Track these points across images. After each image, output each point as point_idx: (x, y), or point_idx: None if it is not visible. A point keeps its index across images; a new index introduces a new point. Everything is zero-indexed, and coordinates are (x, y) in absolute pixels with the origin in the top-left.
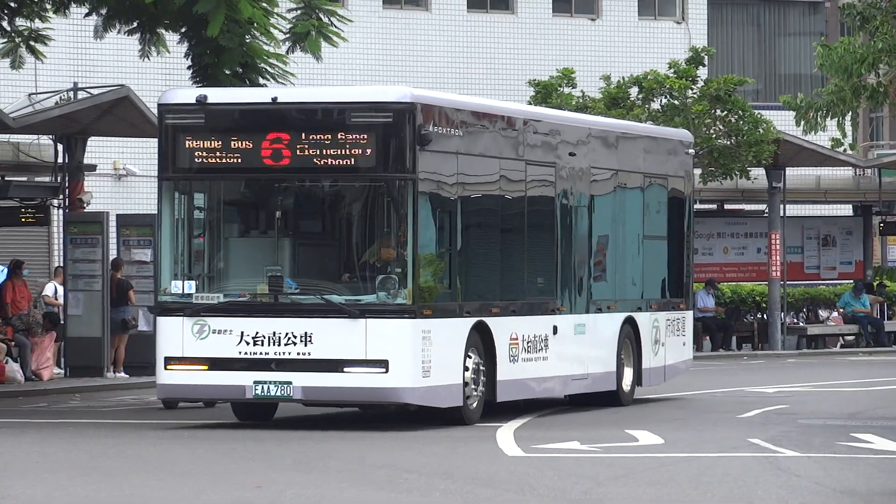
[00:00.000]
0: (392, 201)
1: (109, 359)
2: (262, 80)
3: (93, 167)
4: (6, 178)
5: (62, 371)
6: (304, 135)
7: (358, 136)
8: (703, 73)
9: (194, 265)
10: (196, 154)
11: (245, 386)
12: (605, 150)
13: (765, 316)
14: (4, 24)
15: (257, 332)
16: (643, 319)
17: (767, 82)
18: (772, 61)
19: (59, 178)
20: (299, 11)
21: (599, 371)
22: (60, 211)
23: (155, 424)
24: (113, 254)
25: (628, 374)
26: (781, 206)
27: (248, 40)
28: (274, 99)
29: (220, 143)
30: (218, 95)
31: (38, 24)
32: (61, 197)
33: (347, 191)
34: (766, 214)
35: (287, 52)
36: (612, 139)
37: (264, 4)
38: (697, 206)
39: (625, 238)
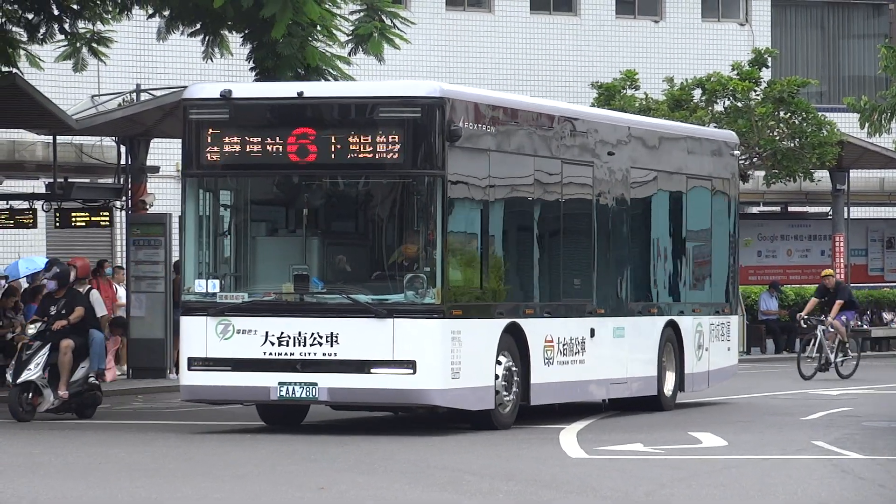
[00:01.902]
0: (420, 199)
1: (172, 360)
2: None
3: (156, 169)
4: (69, 180)
5: (125, 372)
6: (331, 130)
7: (386, 132)
8: (766, 74)
9: (219, 264)
10: (220, 150)
11: (270, 387)
12: (645, 150)
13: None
14: (66, 26)
15: (282, 333)
16: (686, 323)
17: (831, 84)
18: (835, 63)
19: (121, 180)
20: (362, 13)
21: (640, 375)
22: (123, 213)
23: (216, 426)
24: (176, 256)
25: (670, 378)
26: (845, 209)
27: (310, 41)
28: (300, 93)
29: (244, 138)
30: (243, 90)
31: (100, 26)
32: (124, 199)
33: (375, 188)
34: (829, 217)
35: (349, 54)
36: (653, 139)
37: (328, 6)
38: (761, 208)
39: (666, 240)
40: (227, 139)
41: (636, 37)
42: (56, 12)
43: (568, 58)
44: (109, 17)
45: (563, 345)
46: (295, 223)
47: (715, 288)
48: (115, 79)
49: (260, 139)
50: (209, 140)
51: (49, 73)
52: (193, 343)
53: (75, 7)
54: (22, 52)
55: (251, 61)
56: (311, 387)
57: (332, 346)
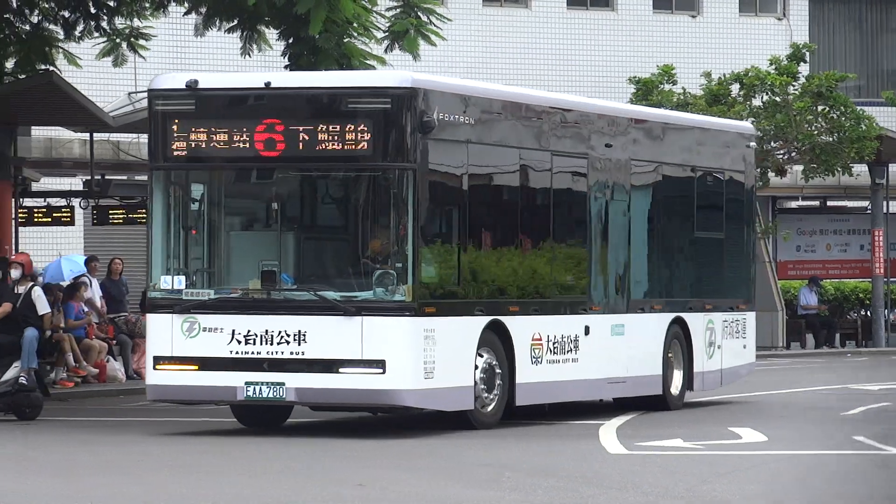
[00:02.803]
0: (391, 192)
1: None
2: None
3: None
4: (106, 177)
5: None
6: (299, 122)
7: (355, 123)
8: (804, 69)
9: (185, 260)
10: (186, 142)
11: (236, 387)
12: (648, 142)
13: (868, 313)
14: (104, 23)
15: (249, 331)
16: (694, 320)
17: (869, 79)
18: (874, 58)
19: None
20: (398, 10)
21: (641, 374)
22: None
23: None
24: None
25: (677, 377)
26: (885, 203)
27: (345, 40)
28: (267, 84)
29: (211, 130)
30: (209, 80)
31: (138, 22)
32: None
33: (344, 181)
34: (868, 211)
35: (385, 51)
36: (656, 130)
37: (364, 3)
38: (800, 202)
39: (672, 235)
40: (193, 131)
41: (673, 32)
42: (93, 10)
43: (605, 53)
44: (148, 13)
45: (554, 343)
46: (263, 217)
47: (729, 284)
48: (152, 75)
49: (227, 131)
50: (175, 132)
51: (86, 70)
52: (159, 341)
53: (112, 4)
54: (59, 49)
55: (287, 57)
56: (278, 387)
57: (299, 344)
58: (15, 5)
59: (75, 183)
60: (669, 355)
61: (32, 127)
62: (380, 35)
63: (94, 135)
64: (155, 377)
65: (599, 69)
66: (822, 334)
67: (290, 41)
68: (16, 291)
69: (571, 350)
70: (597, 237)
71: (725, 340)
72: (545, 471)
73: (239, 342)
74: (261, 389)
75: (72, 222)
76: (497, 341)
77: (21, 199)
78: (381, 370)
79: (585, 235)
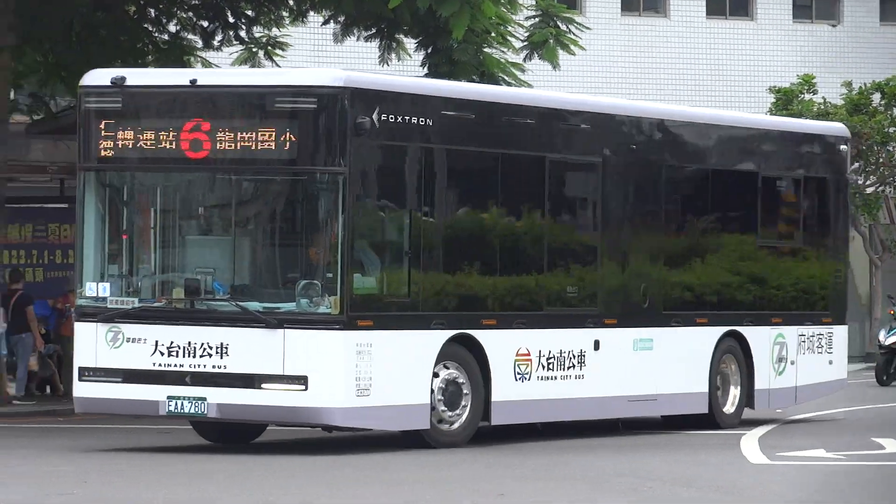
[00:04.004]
0: (318, 198)
1: None
2: None
3: None
4: None
5: None
6: (225, 122)
7: (280, 125)
8: None
9: (110, 266)
10: (112, 142)
11: (158, 401)
12: (689, 144)
13: None
14: (242, 32)
15: (172, 342)
16: (756, 334)
17: None
18: None
19: None
20: (537, 19)
21: (678, 391)
22: None
23: (374, 434)
24: None
25: (732, 394)
26: None
27: (484, 49)
28: (193, 81)
29: (137, 130)
30: (137, 77)
31: (276, 31)
32: None
33: (271, 186)
34: None
35: (524, 60)
36: (700, 131)
37: (504, 9)
38: None
39: (726, 244)
40: (118, 130)
41: (813, 41)
42: (231, 19)
43: (744, 62)
44: (286, 22)
45: (549, 359)
46: (190, 224)
47: (808, 296)
48: None
49: (153, 131)
50: (102, 131)
51: None
52: (84, 351)
53: (250, 14)
54: (197, 58)
55: (425, 67)
56: (200, 402)
57: (221, 357)
58: (153, 15)
59: None
60: (719, 372)
61: None
62: (518, 45)
63: None
64: (81, 389)
65: (738, 78)
66: None
67: (429, 51)
68: None
69: (574, 366)
70: (610, 248)
71: (802, 356)
72: (685, 481)
73: (162, 354)
74: (182, 405)
75: None
76: (467, 356)
77: None
78: (303, 386)
79: (595, 246)
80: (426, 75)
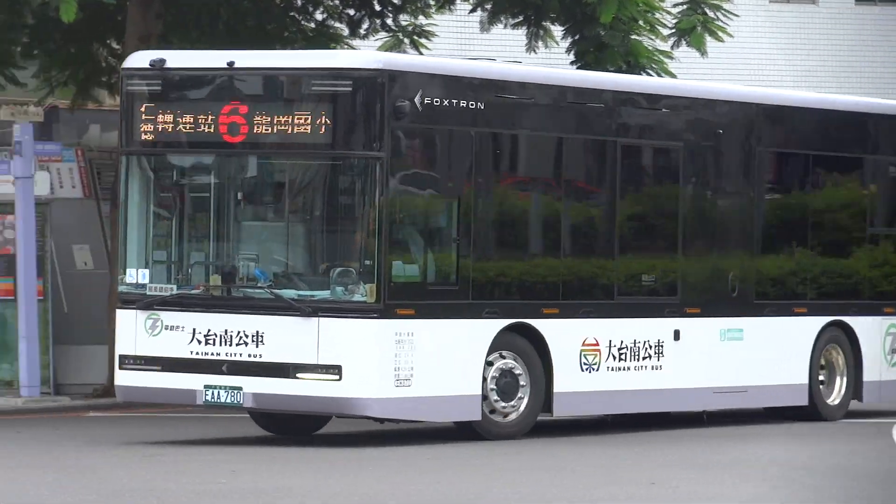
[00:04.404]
0: (354, 184)
1: None
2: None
3: None
4: None
5: None
6: (262, 105)
7: (315, 108)
8: None
9: (150, 252)
10: (152, 126)
11: (196, 391)
12: (790, 128)
13: None
14: (388, 21)
15: (209, 330)
16: (864, 325)
17: None
18: None
19: None
20: (685, 6)
21: (772, 383)
22: None
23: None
24: None
25: (837, 385)
26: None
27: (631, 37)
28: (230, 63)
29: (176, 113)
30: (176, 59)
31: (422, 19)
32: None
33: (306, 171)
34: None
35: (671, 48)
36: (800, 115)
37: None
38: None
39: (830, 232)
40: (158, 114)
41: None
42: (377, 7)
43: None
44: (432, 10)
45: (620, 349)
46: (228, 209)
47: None
48: None
49: (192, 115)
50: (142, 115)
51: None
52: (125, 339)
53: (397, 2)
54: (343, 46)
55: (572, 54)
56: (236, 391)
57: (257, 346)
58: (300, 4)
59: None
60: (820, 363)
61: None
62: (666, 32)
63: None
64: (122, 377)
65: (890, 67)
66: None
67: (576, 38)
68: None
69: (650, 357)
70: (693, 235)
71: None
72: (836, 470)
73: (199, 342)
74: (219, 394)
75: None
76: (526, 346)
77: None
78: (336, 376)
79: (675, 234)
80: (572, 63)
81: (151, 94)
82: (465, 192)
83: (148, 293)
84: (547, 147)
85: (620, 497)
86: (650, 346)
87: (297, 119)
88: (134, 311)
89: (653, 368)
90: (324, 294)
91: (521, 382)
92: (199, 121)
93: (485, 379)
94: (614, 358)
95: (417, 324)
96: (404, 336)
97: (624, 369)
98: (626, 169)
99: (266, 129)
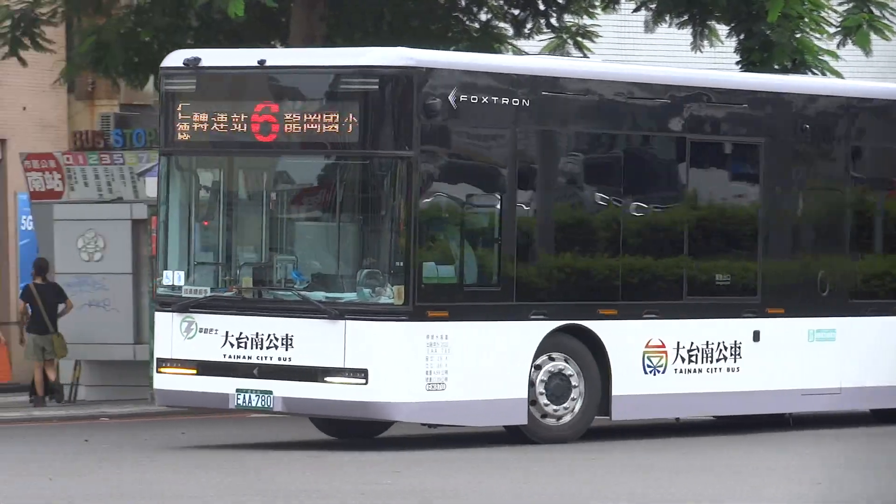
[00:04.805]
0: (383, 184)
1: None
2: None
3: None
4: None
5: None
6: (291, 104)
7: (344, 106)
8: None
9: (187, 254)
10: (188, 125)
11: (229, 395)
12: (883, 122)
13: None
14: (553, 20)
15: (241, 333)
16: None
17: None
18: None
19: None
20: (850, 4)
21: (869, 385)
22: None
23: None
24: None
25: None
26: None
27: (797, 35)
28: (261, 62)
29: (210, 113)
30: (210, 57)
31: (585, 19)
32: None
33: (335, 171)
34: None
35: (837, 47)
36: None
37: None
38: None
39: None
40: (193, 114)
41: None
42: (542, 7)
43: None
44: (597, 10)
45: (690, 350)
46: (260, 210)
47: None
48: None
49: (226, 114)
50: (179, 114)
51: None
52: (162, 342)
53: (561, 2)
54: (508, 46)
55: (739, 52)
56: (266, 395)
57: (286, 349)
58: (464, 4)
59: None
60: None
61: None
62: (832, 30)
63: None
64: (160, 381)
65: None
66: None
67: (742, 37)
68: None
69: (725, 358)
70: (775, 234)
71: None
72: None
73: (232, 345)
74: (250, 398)
75: None
76: (579, 348)
77: None
78: (363, 380)
79: (754, 233)
80: (738, 63)
81: (186, 94)
82: (509, 192)
83: (183, 295)
84: (602, 145)
85: (784, 496)
86: (725, 348)
87: (326, 118)
88: (171, 313)
89: (729, 370)
90: (351, 296)
91: (574, 384)
92: (233, 120)
93: (532, 383)
94: (683, 360)
95: (452, 326)
96: (437, 339)
97: (695, 371)
98: (696, 166)
99: (296, 129)
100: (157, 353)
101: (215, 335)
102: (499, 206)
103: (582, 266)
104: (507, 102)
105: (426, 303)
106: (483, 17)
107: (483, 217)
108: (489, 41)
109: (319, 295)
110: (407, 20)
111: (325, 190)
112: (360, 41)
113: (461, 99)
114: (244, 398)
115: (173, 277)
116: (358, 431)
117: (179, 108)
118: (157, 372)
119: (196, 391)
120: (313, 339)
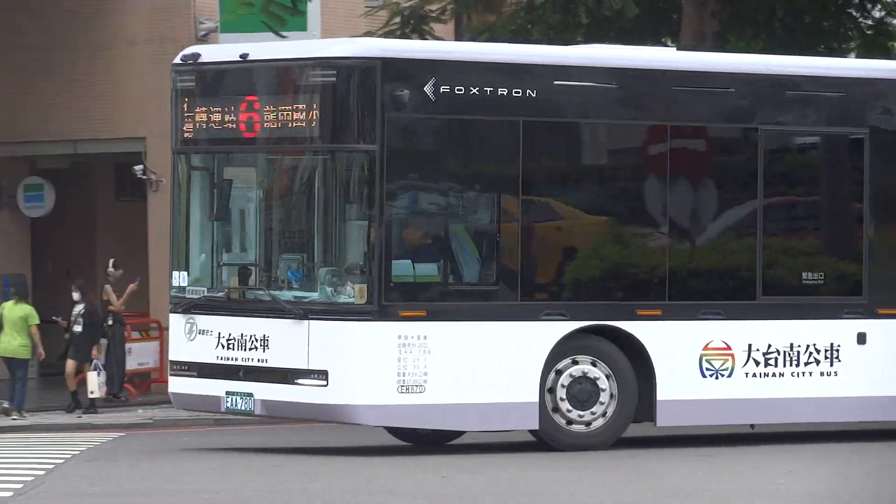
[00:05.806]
0: (348, 179)
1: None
2: None
3: None
4: None
5: None
6: (269, 99)
7: (309, 100)
8: None
9: (189, 254)
10: (191, 123)
11: (219, 397)
12: None
13: None
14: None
15: (230, 335)
16: None
17: None
18: None
19: None
20: None
21: None
22: None
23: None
24: None
25: None
26: None
27: None
28: (244, 56)
29: (208, 109)
30: (209, 53)
31: None
32: None
33: (304, 165)
34: None
35: None
36: None
37: None
38: None
39: None
40: (194, 111)
41: None
42: None
43: None
44: None
45: (766, 353)
46: (246, 207)
47: None
48: None
49: (219, 110)
50: (183, 111)
51: None
52: (173, 344)
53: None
54: None
55: None
56: (248, 398)
57: (264, 351)
58: (857, 1)
59: None
60: None
61: None
62: None
63: None
64: (171, 384)
65: None
66: None
67: None
68: None
69: (818, 362)
70: (883, 233)
71: None
72: None
73: (223, 347)
74: (236, 401)
75: None
76: (611, 350)
77: None
78: (323, 382)
79: (855, 231)
80: None
81: (187, 91)
82: (509, 185)
83: (186, 296)
84: (623, 135)
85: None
86: (818, 351)
87: (295, 112)
88: (178, 315)
89: (824, 374)
90: (314, 296)
91: (602, 387)
92: (224, 117)
93: (550, 390)
94: (759, 363)
95: (432, 326)
96: (412, 339)
97: (774, 375)
98: (770, 160)
99: (273, 124)
100: (170, 356)
101: (210, 336)
102: (495, 201)
103: (610, 263)
104: (490, 93)
105: (397, 302)
106: (877, 14)
107: (475, 213)
108: (882, 40)
109: (288, 295)
110: (800, 17)
111: (297, 186)
112: (751, 38)
113: (441, 90)
114: (231, 401)
115: (179, 278)
116: (427, 438)
117: (183, 106)
118: (170, 375)
119: (195, 394)
120: (284, 340)
